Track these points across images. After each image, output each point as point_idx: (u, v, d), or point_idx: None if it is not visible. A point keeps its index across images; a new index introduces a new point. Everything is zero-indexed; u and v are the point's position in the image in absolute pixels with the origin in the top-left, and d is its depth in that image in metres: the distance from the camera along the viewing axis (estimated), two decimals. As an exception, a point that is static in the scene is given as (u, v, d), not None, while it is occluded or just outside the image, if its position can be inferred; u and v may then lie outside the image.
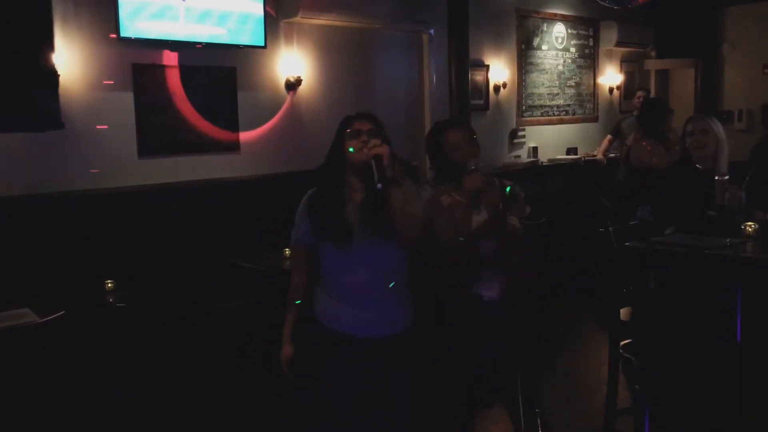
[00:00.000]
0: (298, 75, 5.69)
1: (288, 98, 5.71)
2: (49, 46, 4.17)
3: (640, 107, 5.48)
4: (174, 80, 5.03)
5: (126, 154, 4.81)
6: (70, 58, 4.50)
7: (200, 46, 5.02)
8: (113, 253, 4.44)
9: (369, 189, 2.38)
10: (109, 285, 3.78)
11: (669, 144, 4.86)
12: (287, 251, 4.54)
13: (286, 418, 2.72)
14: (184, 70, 5.05)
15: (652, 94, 9.30)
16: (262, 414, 3.44)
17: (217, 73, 5.27)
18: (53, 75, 4.32)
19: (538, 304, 2.73)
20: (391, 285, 2.44)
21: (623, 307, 3.34)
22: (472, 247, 2.39)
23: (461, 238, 2.39)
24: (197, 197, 5.07)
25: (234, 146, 5.38)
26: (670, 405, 3.00)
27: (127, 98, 4.79)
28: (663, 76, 9.84)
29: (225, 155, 5.33)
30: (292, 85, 5.68)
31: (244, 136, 5.44)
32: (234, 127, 5.38)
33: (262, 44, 5.34)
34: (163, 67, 4.97)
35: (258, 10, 5.28)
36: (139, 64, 4.83)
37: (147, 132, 4.89)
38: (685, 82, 9.53)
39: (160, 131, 4.96)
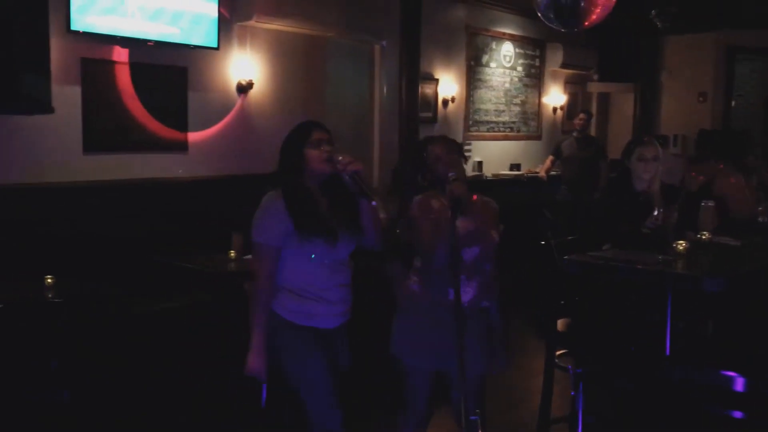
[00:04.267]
0: (250, 78, 5.69)
1: (239, 101, 5.70)
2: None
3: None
4: (124, 76, 4.97)
5: (71, 148, 4.72)
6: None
7: (151, 43, 4.97)
8: (54, 249, 4.34)
9: (333, 195, 2.58)
10: (49, 281, 3.70)
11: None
12: (232, 253, 4.53)
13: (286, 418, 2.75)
14: (135, 67, 5.01)
15: (594, 116, 9.63)
16: (264, 414, 3.40)
17: (168, 72, 5.23)
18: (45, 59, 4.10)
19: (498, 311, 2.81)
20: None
21: (560, 318, 3.47)
22: (457, 252, 2.48)
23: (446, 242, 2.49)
24: (143, 196, 5.01)
25: (182, 146, 5.34)
26: (604, 413, 3.13)
27: (75, 92, 4.71)
28: (604, 98, 10.20)
29: (173, 155, 5.29)
30: (244, 88, 5.68)
31: (193, 136, 5.41)
32: (183, 127, 5.34)
33: (215, 45, 5.33)
34: (113, 62, 4.91)
35: (212, 11, 5.27)
36: (88, 59, 4.76)
37: (93, 127, 4.82)
38: (624, 105, 9.91)
39: (107, 127, 4.89)
